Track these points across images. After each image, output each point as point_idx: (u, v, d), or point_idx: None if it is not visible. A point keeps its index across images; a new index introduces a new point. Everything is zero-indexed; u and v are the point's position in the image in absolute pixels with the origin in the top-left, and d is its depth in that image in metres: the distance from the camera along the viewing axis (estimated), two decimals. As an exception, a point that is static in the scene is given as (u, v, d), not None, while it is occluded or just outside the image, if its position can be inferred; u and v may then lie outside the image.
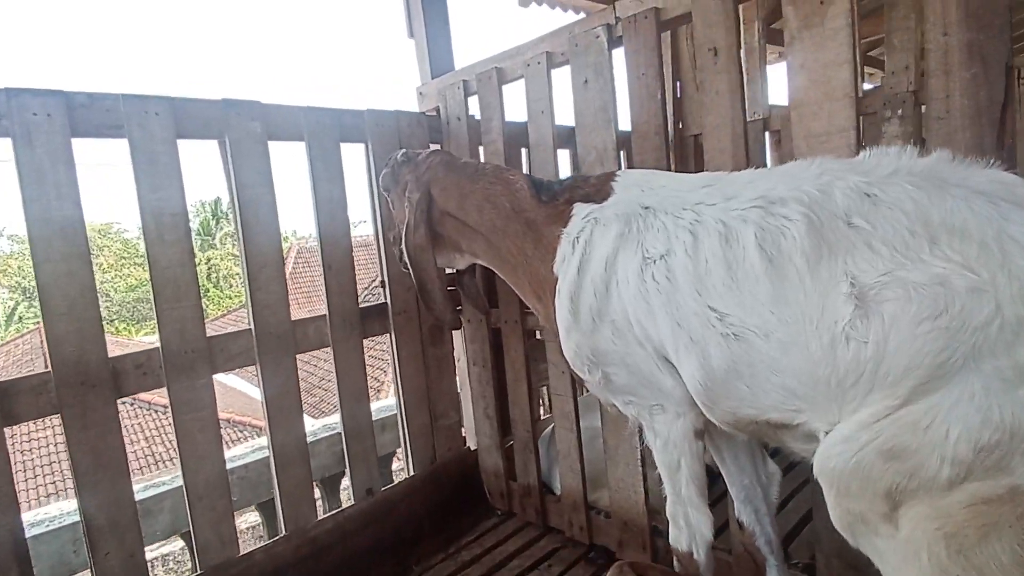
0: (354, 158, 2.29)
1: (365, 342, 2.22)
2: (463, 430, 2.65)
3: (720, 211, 1.18)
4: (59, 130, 1.57)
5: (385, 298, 2.33)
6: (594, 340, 1.39)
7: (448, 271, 2.04)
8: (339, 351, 2.14)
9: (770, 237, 1.07)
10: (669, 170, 1.67)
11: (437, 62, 2.56)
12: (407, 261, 1.79)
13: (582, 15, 3.95)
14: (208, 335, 1.83)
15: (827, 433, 0.99)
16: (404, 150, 1.89)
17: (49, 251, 1.55)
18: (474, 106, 2.35)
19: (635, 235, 1.30)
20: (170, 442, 10.16)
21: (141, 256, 28.01)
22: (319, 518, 2.08)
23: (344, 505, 2.25)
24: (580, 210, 1.48)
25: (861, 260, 0.96)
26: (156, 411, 11.20)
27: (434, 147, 2.42)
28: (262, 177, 1.93)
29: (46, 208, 1.54)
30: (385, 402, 3.56)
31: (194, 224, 32.00)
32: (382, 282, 2.33)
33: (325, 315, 2.12)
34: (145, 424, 11.11)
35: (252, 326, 1.93)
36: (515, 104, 2.29)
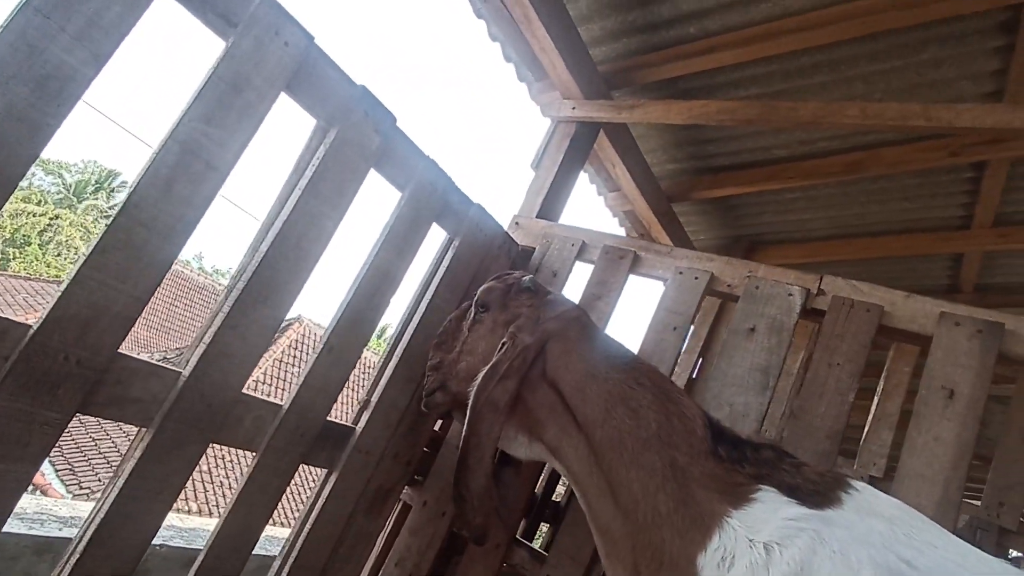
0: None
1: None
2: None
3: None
4: (158, -33, 0.99)
5: (355, 423, 1.63)
6: None
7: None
8: (264, 465, 1.37)
9: None
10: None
11: (549, 203, 2.22)
12: (470, 415, 1.19)
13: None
14: (119, 351, 1.08)
15: None
16: (531, 276, 1.41)
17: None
18: (578, 270, 1.97)
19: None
20: None
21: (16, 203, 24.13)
22: None
23: None
24: (776, 503, 0.99)
25: None
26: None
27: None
28: (340, 200, 1.35)
29: None
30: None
31: (70, 178, 28.62)
32: (365, 402, 1.66)
33: (280, 407, 1.40)
34: None
35: (186, 369, 1.19)
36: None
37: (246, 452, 1.41)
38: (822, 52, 2.34)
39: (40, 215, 24.13)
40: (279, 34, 1.17)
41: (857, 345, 1.42)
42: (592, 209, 4.04)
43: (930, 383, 1.32)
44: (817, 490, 1.01)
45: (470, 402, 1.21)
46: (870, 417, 2.90)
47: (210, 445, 1.29)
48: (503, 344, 1.27)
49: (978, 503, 2.62)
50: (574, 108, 2.31)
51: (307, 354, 14.10)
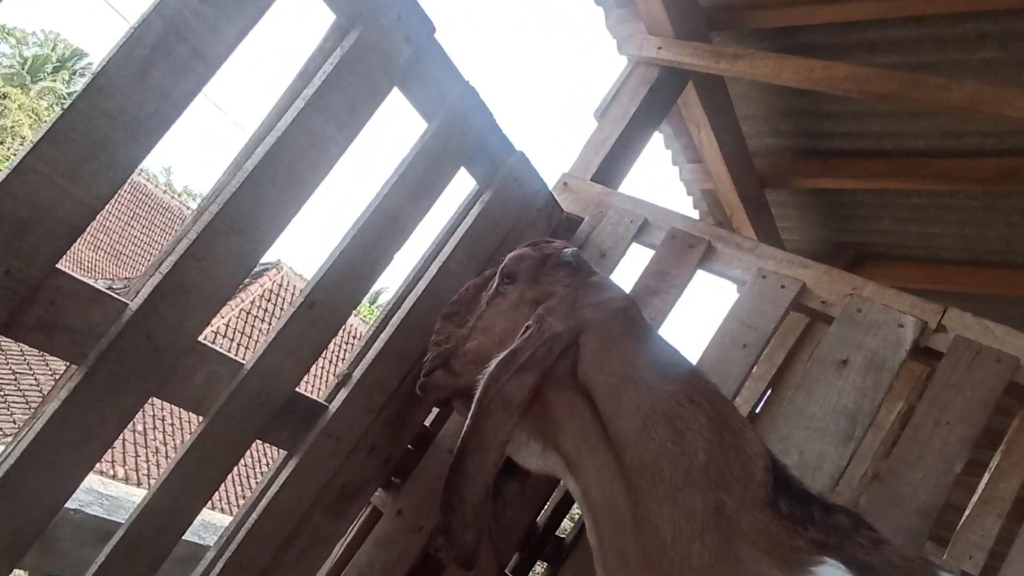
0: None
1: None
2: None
3: None
4: None
5: (329, 401, 1.65)
6: None
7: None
8: (212, 433, 1.40)
9: None
10: None
11: (610, 165, 2.20)
12: (476, 410, 1.20)
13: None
14: (58, 266, 1.10)
15: None
16: (575, 249, 1.41)
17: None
18: (634, 254, 1.96)
19: None
20: None
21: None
22: None
23: None
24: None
25: None
26: None
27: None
28: (351, 120, 1.36)
29: None
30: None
31: (27, 51, 29.16)
32: (344, 377, 1.67)
33: (242, 366, 1.42)
34: None
35: (134, 301, 1.21)
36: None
37: (194, 416, 1.44)
38: (993, 20, 2.25)
39: (-5, 96, 24.51)
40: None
41: (977, 403, 1.39)
42: (662, 182, 4.01)
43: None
44: (898, 577, 1.00)
45: (477, 393, 1.22)
46: (975, 498, 2.84)
47: (151, 401, 1.32)
48: (527, 327, 1.27)
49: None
50: (660, 48, 2.27)
51: (282, 308, 14.33)
